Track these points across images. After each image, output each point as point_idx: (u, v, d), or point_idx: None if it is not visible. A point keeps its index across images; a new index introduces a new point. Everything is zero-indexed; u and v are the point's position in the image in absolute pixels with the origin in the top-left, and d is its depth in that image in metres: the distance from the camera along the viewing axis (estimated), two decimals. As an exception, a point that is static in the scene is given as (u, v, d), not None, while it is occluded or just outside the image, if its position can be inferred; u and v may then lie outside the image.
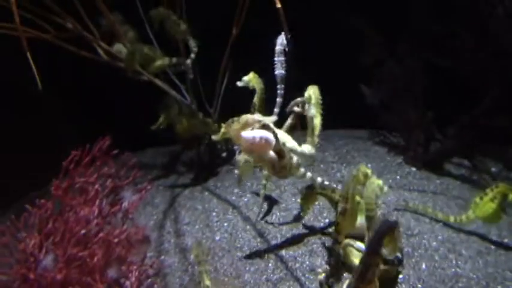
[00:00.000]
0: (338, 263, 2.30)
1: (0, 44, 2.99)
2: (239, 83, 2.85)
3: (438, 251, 2.56)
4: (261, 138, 2.00)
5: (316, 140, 2.49)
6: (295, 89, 2.78)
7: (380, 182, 2.14)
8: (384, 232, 1.80)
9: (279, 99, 2.88)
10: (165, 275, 2.54)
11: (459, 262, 2.47)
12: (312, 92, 2.53)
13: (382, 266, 2.18)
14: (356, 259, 2.17)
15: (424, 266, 2.43)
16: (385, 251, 2.18)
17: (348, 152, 3.93)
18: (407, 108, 3.79)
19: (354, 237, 2.31)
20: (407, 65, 3.86)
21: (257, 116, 2.05)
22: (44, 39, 3.04)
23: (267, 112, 2.86)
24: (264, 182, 2.94)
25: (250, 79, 2.85)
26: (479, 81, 3.56)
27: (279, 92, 2.87)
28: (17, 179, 3.38)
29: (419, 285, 2.30)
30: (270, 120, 2.11)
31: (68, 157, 2.38)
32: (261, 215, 3.01)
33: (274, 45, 2.83)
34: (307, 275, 2.41)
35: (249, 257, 2.60)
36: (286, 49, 2.79)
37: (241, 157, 2.29)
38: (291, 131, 2.64)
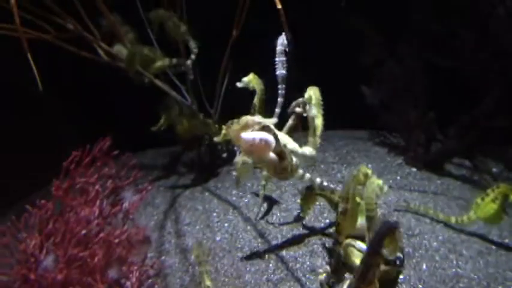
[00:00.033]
0: (338, 264, 2.29)
1: (0, 45, 2.99)
2: (239, 84, 2.85)
3: (439, 251, 2.56)
4: (260, 139, 2.00)
5: (318, 140, 2.49)
6: (295, 89, 2.78)
7: (380, 181, 2.14)
8: (384, 233, 1.79)
9: (280, 99, 2.88)
10: (166, 275, 2.54)
11: (460, 262, 2.47)
12: (313, 92, 2.53)
13: (383, 267, 2.18)
14: (357, 259, 2.17)
15: (424, 266, 2.43)
16: (385, 252, 2.18)
17: (348, 153, 3.93)
18: (407, 109, 3.79)
19: (355, 237, 2.31)
20: (408, 65, 3.86)
21: (257, 118, 2.05)
22: (45, 40, 3.04)
23: (268, 112, 2.87)
24: (263, 182, 2.94)
25: (250, 80, 2.84)
26: (480, 81, 3.56)
27: (280, 92, 2.87)
28: (17, 179, 3.38)
29: (420, 286, 2.30)
30: (270, 122, 2.11)
31: (69, 157, 2.38)
32: (260, 215, 3.02)
33: (274, 45, 2.83)
34: (307, 276, 2.42)
35: (250, 257, 2.60)
36: (287, 49, 2.79)
37: (239, 159, 2.29)
38: (292, 131, 2.64)
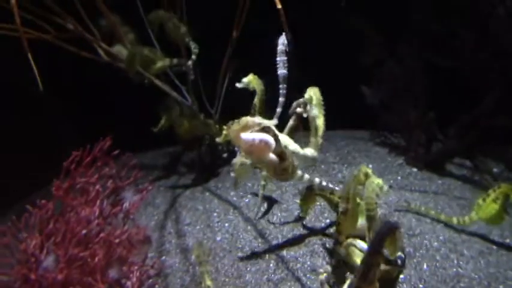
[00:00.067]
0: (339, 263, 2.30)
1: (0, 45, 2.99)
2: (238, 85, 2.85)
3: (440, 251, 2.56)
4: (260, 140, 2.00)
5: (320, 140, 2.49)
6: (295, 89, 2.78)
7: (380, 181, 2.14)
8: (385, 233, 1.79)
9: (281, 99, 2.88)
10: (166, 275, 2.54)
11: (461, 262, 2.46)
12: (313, 93, 2.53)
13: (384, 267, 2.18)
14: (358, 259, 2.17)
15: (425, 266, 2.43)
16: (386, 252, 2.18)
17: (349, 153, 3.93)
18: (407, 109, 3.79)
19: (355, 237, 2.31)
20: (408, 65, 3.86)
21: (257, 119, 2.06)
22: (45, 40, 3.04)
23: (269, 112, 2.86)
24: (262, 182, 2.94)
25: (250, 80, 2.84)
26: (480, 81, 3.56)
27: (281, 91, 2.87)
28: (17, 179, 3.38)
29: (421, 285, 2.29)
30: (270, 123, 2.12)
31: (69, 157, 2.37)
32: (259, 215, 3.02)
33: (275, 45, 2.82)
34: (308, 275, 2.41)
35: (250, 257, 2.60)
36: (288, 49, 2.79)
37: (237, 160, 2.29)
38: (293, 132, 2.64)
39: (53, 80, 2.62)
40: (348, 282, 2.01)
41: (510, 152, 3.72)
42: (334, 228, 2.33)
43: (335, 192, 2.57)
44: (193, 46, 3.73)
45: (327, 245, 2.63)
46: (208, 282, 2.20)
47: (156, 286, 2.43)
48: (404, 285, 2.29)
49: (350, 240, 2.25)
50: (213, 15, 3.84)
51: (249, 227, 2.90)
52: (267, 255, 2.60)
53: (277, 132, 2.29)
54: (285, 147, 2.35)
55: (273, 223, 2.92)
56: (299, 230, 2.83)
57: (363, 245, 2.20)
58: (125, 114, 3.93)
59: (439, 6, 3.76)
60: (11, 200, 3.40)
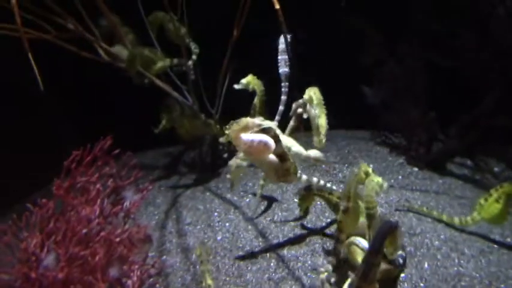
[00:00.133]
0: (339, 262, 2.29)
1: (0, 45, 2.99)
2: (236, 86, 2.85)
3: (440, 250, 2.55)
4: (260, 141, 2.01)
5: (324, 139, 2.48)
6: (296, 89, 2.78)
7: (380, 179, 2.14)
8: (386, 231, 1.79)
9: (283, 97, 2.88)
10: (167, 274, 2.53)
11: (462, 261, 2.46)
12: (313, 92, 2.53)
13: (385, 266, 2.18)
14: (359, 258, 2.17)
15: (426, 265, 2.42)
16: (386, 251, 2.18)
17: (350, 153, 3.94)
18: (408, 108, 3.79)
19: (357, 235, 2.31)
20: (408, 65, 3.85)
21: (257, 120, 2.06)
22: (45, 40, 3.04)
23: (270, 112, 2.87)
24: (261, 182, 2.94)
25: (249, 81, 2.84)
26: (480, 81, 3.56)
27: (283, 90, 2.87)
28: (17, 179, 3.38)
29: (422, 284, 2.29)
30: (270, 124, 2.12)
31: (69, 158, 2.37)
32: (257, 213, 3.03)
33: (276, 45, 2.83)
34: (309, 274, 2.41)
35: (251, 256, 2.60)
36: (289, 48, 2.79)
37: (233, 162, 2.29)
38: (294, 132, 2.64)
39: (53, 80, 2.62)
40: (348, 281, 2.00)
41: (511, 151, 3.71)
42: (336, 226, 2.32)
43: (334, 193, 2.57)
44: (193, 46, 3.74)
45: (328, 244, 2.62)
46: (209, 282, 2.20)
47: (157, 285, 2.43)
48: (405, 284, 2.29)
49: (352, 238, 2.25)
50: (213, 15, 3.84)
51: (249, 227, 2.90)
52: (268, 254, 2.60)
53: (280, 133, 2.30)
54: (289, 148, 2.35)
55: (274, 222, 2.92)
56: (300, 229, 2.83)
57: (364, 243, 2.20)
58: (125, 114, 3.94)
59: (439, 6, 3.76)
60: (11, 200, 3.39)
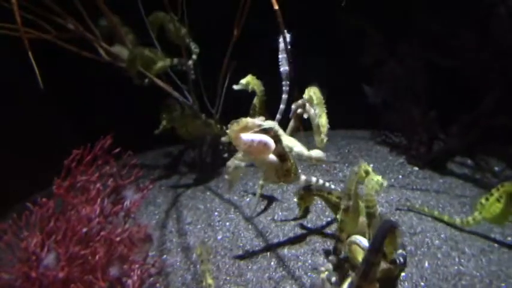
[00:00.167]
0: (340, 261, 2.29)
1: (0, 45, 2.99)
2: (235, 87, 2.85)
3: (441, 249, 2.55)
4: (259, 141, 2.02)
5: (325, 138, 2.48)
6: (296, 89, 2.78)
7: (379, 178, 2.14)
8: (386, 230, 1.79)
9: (284, 96, 2.88)
10: (167, 273, 2.53)
11: (462, 260, 2.45)
12: (313, 92, 2.53)
13: (386, 265, 2.18)
14: (360, 256, 2.16)
15: (427, 264, 2.42)
16: (385, 250, 2.18)
17: (350, 152, 3.94)
18: (409, 108, 3.79)
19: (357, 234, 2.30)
20: (408, 65, 3.85)
21: (258, 120, 2.07)
22: (45, 40, 3.04)
23: (271, 111, 2.87)
24: (261, 182, 2.95)
25: (249, 81, 2.84)
26: (481, 80, 3.56)
27: (284, 88, 2.87)
28: (17, 180, 3.38)
29: (422, 283, 2.28)
30: (270, 124, 2.12)
31: (69, 157, 2.37)
32: (256, 212, 3.04)
33: (277, 44, 2.83)
34: (309, 274, 2.41)
35: (251, 255, 2.60)
36: (289, 47, 2.79)
37: (231, 163, 2.29)
38: (294, 133, 2.64)
39: (53, 79, 2.62)
40: (348, 280, 2.00)
41: (511, 151, 3.71)
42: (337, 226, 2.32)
43: (333, 192, 2.57)
44: (193, 46, 3.75)
45: (328, 243, 2.62)
46: (210, 281, 2.20)
47: (157, 284, 2.43)
48: (406, 283, 2.28)
49: (352, 237, 2.24)
50: (214, 14, 3.84)
51: (250, 226, 2.90)
52: (268, 253, 2.60)
53: (282, 132, 2.29)
54: (291, 148, 2.35)
55: (274, 221, 2.92)
56: (300, 229, 2.82)
57: (365, 242, 2.19)
58: (125, 114, 3.93)
59: (440, 5, 3.76)
60: (11, 200, 3.39)
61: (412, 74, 3.83)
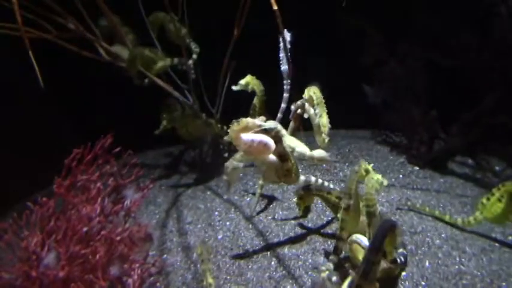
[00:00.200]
0: (341, 260, 2.29)
1: (1, 44, 3.00)
2: (235, 88, 2.84)
3: (442, 248, 2.55)
4: (260, 142, 2.02)
5: (327, 138, 2.48)
6: (297, 89, 2.78)
7: (379, 176, 2.14)
8: (386, 230, 1.79)
9: (285, 95, 2.87)
10: (168, 273, 2.53)
11: (463, 259, 2.45)
12: (312, 92, 2.53)
13: (386, 265, 2.18)
14: (361, 255, 2.16)
15: (427, 263, 2.42)
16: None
17: (351, 152, 3.94)
18: (409, 108, 3.79)
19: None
20: (409, 65, 3.86)
21: (258, 121, 2.07)
22: (45, 39, 3.04)
23: (271, 111, 2.86)
24: (261, 182, 2.95)
25: (248, 81, 2.83)
26: (481, 80, 3.56)
27: (285, 87, 2.87)
28: (17, 179, 3.37)
29: (423, 283, 2.28)
30: (275, 124, 2.12)
31: (69, 157, 2.37)
32: (256, 211, 3.04)
33: (278, 43, 2.82)
34: (310, 273, 2.40)
35: (252, 255, 2.60)
36: (289, 46, 2.79)
37: (230, 163, 2.29)
38: (295, 133, 2.64)
39: (53, 79, 2.62)
40: (348, 279, 2.00)
41: (512, 150, 3.71)
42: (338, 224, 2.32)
43: (332, 192, 2.56)
44: (193, 46, 3.75)
45: (329, 243, 2.62)
46: (210, 280, 2.20)
47: (158, 284, 2.43)
48: (407, 283, 2.28)
49: (353, 237, 2.24)
50: (214, 14, 3.84)
51: (250, 225, 2.90)
52: (269, 253, 2.60)
53: (284, 133, 2.29)
54: (293, 149, 2.35)
55: (275, 221, 2.92)
56: (300, 228, 2.82)
57: (366, 241, 2.19)
58: (126, 114, 3.93)
59: (440, 5, 3.76)
60: (11, 200, 3.39)
61: (412, 74, 3.83)
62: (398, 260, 2.22)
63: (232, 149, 3.99)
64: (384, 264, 2.15)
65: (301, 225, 2.85)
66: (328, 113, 2.52)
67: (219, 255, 2.63)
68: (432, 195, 3.19)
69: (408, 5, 3.82)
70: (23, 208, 2.16)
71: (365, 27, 4.01)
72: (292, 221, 2.91)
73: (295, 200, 2.75)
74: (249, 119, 2.05)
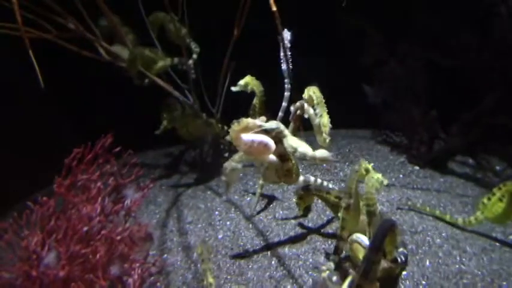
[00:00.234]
0: (341, 260, 2.29)
1: (1, 44, 2.99)
2: (234, 88, 2.84)
3: (442, 247, 2.55)
4: (260, 142, 2.02)
5: (328, 138, 2.47)
6: (297, 89, 2.78)
7: (379, 176, 2.14)
8: (386, 229, 1.79)
9: (286, 94, 2.87)
10: (168, 272, 2.53)
11: (463, 259, 2.45)
12: (312, 92, 2.52)
13: (386, 264, 2.17)
14: (361, 255, 2.16)
15: (428, 262, 2.42)
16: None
17: (351, 151, 3.94)
18: (409, 107, 3.79)
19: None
20: (409, 65, 3.86)
21: (258, 121, 2.07)
22: (46, 39, 3.04)
23: (271, 111, 2.86)
24: (260, 181, 2.94)
25: (248, 82, 2.83)
26: (481, 80, 3.56)
27: (286, 86, 2.86)
28: (17, 179, 3.37)
29: (424, 282, 2.28)
30: (277, 124, 2.12)
31: (70, 156, 2.37)
32: (256, 211, 3.04)
33: (279, 42, 2.82)
34: (310, 273, 2.40)
35: (252, 254, 2.59)
36: (289, 45, 2.79)
37: (228, 164, 2.29)
38: (295, 133, 2.64)
39: (53, 79, 2.62)
40: (349, 279, 2.00)
41: (512, 150, 3.71)
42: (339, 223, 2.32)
43: (331, 192, 2.56)
44: (194, 45, 3.74)
45: (329, 242, 2.62)
46: (211, 280, 2.19)
47: (158, 283, 2.42)
48: (407, 282, 2.28)
49: (353, 236, 2.24)
50: (214, 14, 3.84)
51: (250, 225, 2.90)
52: (269, 252, 2.60)
53: (287, 133, 2.29)
54: (295, 149, 2.35)
55: (275, 220, 2.92)
56: (301, 228, 2.82)
57: (366, 241, 2.19)
58: (126, 114, 3.93)
59: (440, 5, 3.76)
60: (12, 200, 3.39)
61: (412, 74, 3.83)
62: (399, 259, 2.22)
63: (232, 149, 3.99)
64: (384, 263, 2.15)
65: (302, 225, 2.85)
66: (328, 113, 2.52)
67: (220, 255, 2.63)
68: (433, 194, 3.19)
69: (408, 5, 3.82)
70: (23, 208, 2.16)
71: (365, 27, 4.01)
72: (293, 221, 2.91)
73: (295, 199, 2.75)
74: (249, 119, 2.05)
